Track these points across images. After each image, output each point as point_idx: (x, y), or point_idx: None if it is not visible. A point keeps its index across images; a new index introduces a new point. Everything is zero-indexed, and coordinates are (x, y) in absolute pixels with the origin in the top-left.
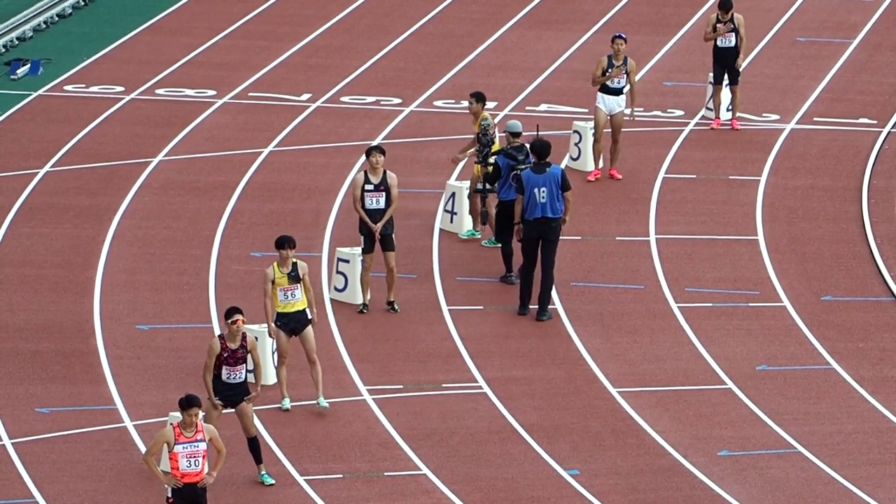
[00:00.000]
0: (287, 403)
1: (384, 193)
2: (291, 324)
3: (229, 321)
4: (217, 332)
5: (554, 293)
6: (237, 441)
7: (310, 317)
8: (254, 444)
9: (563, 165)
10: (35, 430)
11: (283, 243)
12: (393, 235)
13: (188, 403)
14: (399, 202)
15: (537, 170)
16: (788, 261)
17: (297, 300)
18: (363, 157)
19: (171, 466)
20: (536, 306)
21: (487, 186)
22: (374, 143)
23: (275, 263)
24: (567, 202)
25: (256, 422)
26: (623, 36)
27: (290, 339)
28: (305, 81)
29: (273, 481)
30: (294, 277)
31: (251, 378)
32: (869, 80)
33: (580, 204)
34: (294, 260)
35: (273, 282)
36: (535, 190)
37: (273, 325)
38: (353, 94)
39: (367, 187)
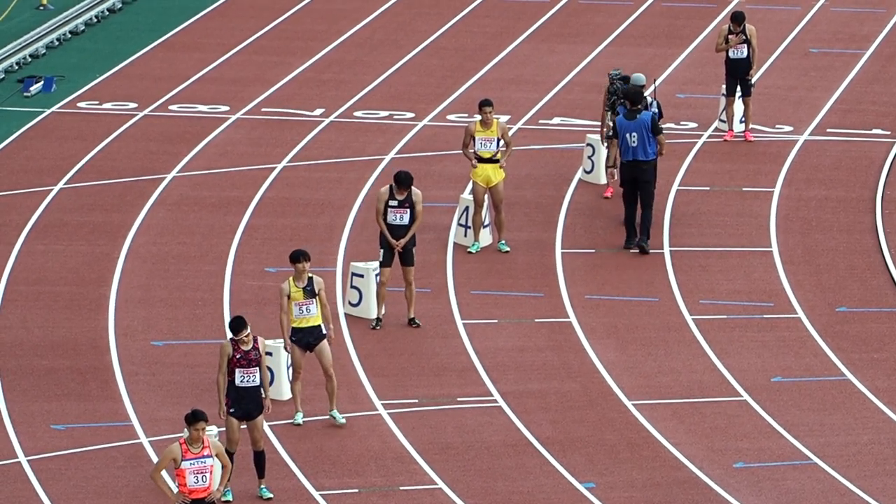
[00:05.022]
0: (300, 418)
1: (408, 210)
2: (306, 339)
3: (236, 337)
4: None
5: (568, 306)
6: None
7: (325, 332)
8: (259, 459)
9: (576, 178)
10: (50, 446)
11: (298, 257)
12: (414, 250)
13: (194, 418)
14: (423, 217)
15: (629, 116)
16: (803, 272)
17: (313, 315)
18: (377, 172)
19: (179, 483)
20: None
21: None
22: (397, 160)
23: (290, 278)
24: (660, 143)
25: (271, 437)
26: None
27: (305, 354)
28: (318, 96)
29: (272, 495)
30: (309, 292)
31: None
32: (882, 90)
33: (593, 217)
34: (310, 275)
35: (288, 297)
36: (627, 135)
37: (289, 339)
38: (366, 109)
39: (392, 203)
